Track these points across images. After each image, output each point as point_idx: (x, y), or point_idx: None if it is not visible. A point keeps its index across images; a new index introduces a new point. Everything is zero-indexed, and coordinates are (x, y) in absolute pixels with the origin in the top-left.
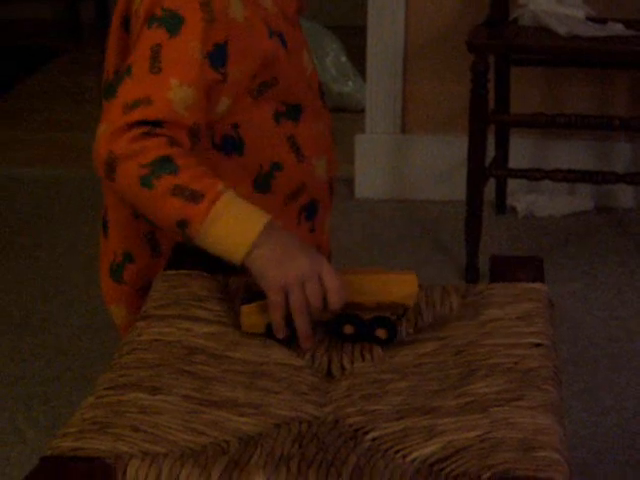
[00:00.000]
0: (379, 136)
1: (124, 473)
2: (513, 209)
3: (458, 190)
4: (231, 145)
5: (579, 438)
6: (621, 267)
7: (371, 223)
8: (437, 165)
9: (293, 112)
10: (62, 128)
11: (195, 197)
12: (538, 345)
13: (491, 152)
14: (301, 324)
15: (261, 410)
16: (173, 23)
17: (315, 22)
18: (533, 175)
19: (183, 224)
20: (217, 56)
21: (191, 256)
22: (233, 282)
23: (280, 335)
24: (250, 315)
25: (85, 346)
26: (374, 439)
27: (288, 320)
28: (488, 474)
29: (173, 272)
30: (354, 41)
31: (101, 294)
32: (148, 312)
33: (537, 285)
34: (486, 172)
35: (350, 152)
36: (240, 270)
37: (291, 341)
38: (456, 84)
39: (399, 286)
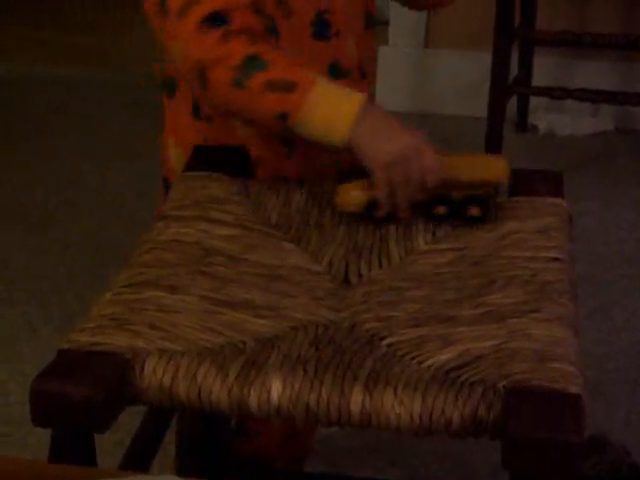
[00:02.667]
0: (402, 49)
1: (142, 369)
2: (534, 127)
3: (480, 106)
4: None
5: (591, 357)
6: (639, 189)
7: None
8: (460, 80)
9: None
10: (87, 30)
11: (290, 88)
12: (556, 259)
13: (514, 70)
14: (403, 198)
15: (278, 312)
16: None
17: None
18: (556, 94)
19: (283, 116)
20: None
21: (210, 157)
22: (253, 184)
23: (382, 212)
24: (349, 193)
25: (99, 244)
26: (390, 345)
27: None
28: (503, 383)
29: (192, 174)
30: None
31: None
32: (167, 213)
33: (557, 200)
34: (509, 89)
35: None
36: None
37: (388, 220)
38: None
39: (492, 165)
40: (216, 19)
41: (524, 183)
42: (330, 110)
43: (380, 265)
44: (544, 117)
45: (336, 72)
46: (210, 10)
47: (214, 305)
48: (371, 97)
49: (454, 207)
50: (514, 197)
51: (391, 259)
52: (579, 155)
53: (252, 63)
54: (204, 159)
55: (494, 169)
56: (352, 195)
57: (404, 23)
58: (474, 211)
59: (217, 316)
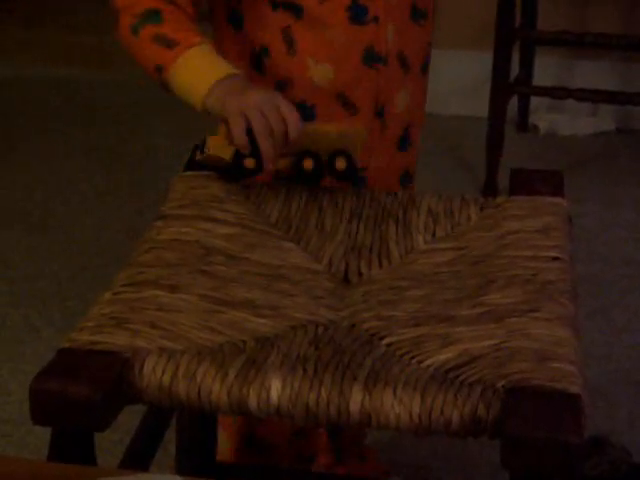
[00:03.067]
0: None
1: (141, 368)
2: (535, 127)
3: (481, 106)
4: (234, 18)
5: (592, 358)
6: (639, 188)
7: None
8: (461, 80)
9: (292, 8)
10: (84, 30)
11: (170, 44)
12: (556, 259)
13: (515, 70)
14: (264, 145)
15: (278, 312)
16: None
17: None
18: (556, 94)
19: (159, 69)
20: None
21: (211, 158)
22: (252, 185)
23: (244, 149)
24: (218, 142)
25: (101, 246)
26: (390, 344)
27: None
28: (503, 382)
29: (192, 173)
30: None
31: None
32: (167, 212)
33: (557, 199)
34: (510, 89)
35: None
36: None
37: (256, 170)
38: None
39: (348, 135)
40: None
41: (524, 183)
42: (196, 73)
43: (380, 264)
44: (545, 117)
45: (370, 57)
46: None
47: (214, 304)
48: (423, 91)
49: (321, 161)
50: (514, 196)
51: (391, 258)
52: (580, 155)
53: (150, 16)
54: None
55: (349, 139)
56: (220, 144)
57: None
58: (340, 164)
59: (217, 315)
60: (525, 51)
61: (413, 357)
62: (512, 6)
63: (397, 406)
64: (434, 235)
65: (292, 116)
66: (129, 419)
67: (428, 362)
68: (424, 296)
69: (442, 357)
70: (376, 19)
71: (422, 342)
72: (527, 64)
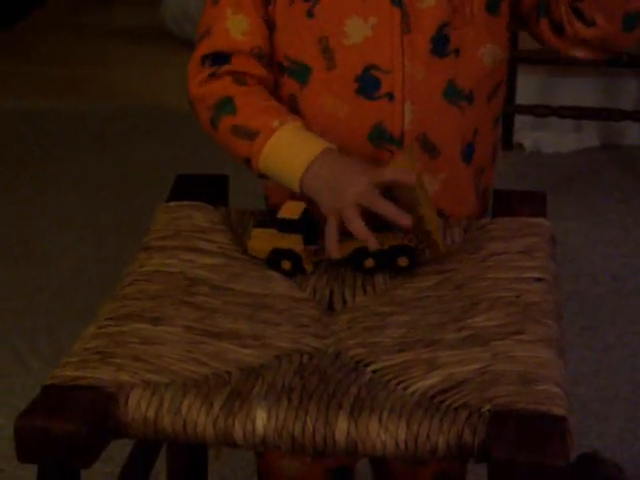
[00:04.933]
0: None
1: (126, 402)
2: (520, 145)
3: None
4: None
5: (581, 375)
6: (626, 204)
7: None
8: None
9: (298, 72)
10: (61, 62)
11: (251, 135)
12: (539, 280)
13: None
14: (354, 229)
15: (262, 342)
16: None
17: None
18: (539, 111)
19: (246, 161)
20: None
21: (193, 187)
22: (236, 213)
23: (334, 254)
24: (257, 239)
25: (88, 278)
26: (375, 371)
27: (289, 253)
28: (488, 406)
29: (175, 203)
30: None
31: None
32: (150, 243)
33: (539, 220)
34: None
35: None
36: None
37: (295, 273)
38: None
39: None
40: (217, 57)
41: (506, 204)
42: (286, 160)
43: (364, 291)
44: (529, 135)
45: (379, 136)
46: (214, 49)
47: (199, 335)
48: (467, 181)
49: (383, 258)
50: (497, 218)
51: (375, 285)
52: (565, 172)
53: (223, 106)
54: (186, 188)
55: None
56: (257, 242)
57: None
58: (402, 262)
59: (202, 346)
60: (507, 69)
61: (399, 383)
62: None
63: (383, 434)
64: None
65: (386, 210)
66: (120, 451)
67: (414, 388)
68: (409, 321)
69: (427, 382)
70: (390, 95)
71: (407, 368)
72: (510, 83)
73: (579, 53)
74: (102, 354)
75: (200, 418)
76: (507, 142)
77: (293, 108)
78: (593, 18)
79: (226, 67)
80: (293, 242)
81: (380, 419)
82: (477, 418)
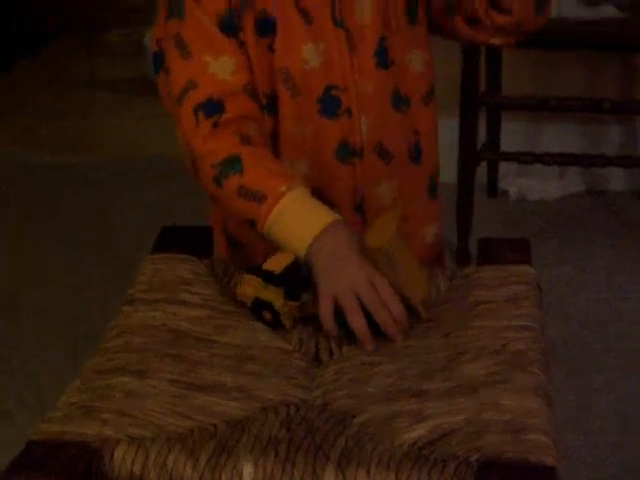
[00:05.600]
0: None
1: (111, 458)
2: (504, 192)
3: (450, 173)
4: None
5: (569, 421)
6: (611, 249)
7: None
8: None
9: (269, 105)
10: (46, 114)
11: (259, 199)
12: (526, 328)
13: (482, 135)
14: (355, 324)
15: (248, 394)
16: (176, 7)
17: None
18: (524, 158)
19: (252, 223)
20: (228, 25)
21: (178, 238)
22: (220, 265)
23: (330, 332)
24: (245, 284)
25: (76, 331)
26: (362, 423)
27: (269, 306)
28: (476, 456)
29: (160, 255)
30: None
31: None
32: (135, 296)
33: (525, 268)
34: (477, 155)
35: None
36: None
37: (275, 326)
38: (447, 66)
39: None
40: (210, 105)
41: (492, 252)
42: (293, 227)
43: (350, 341)
44: (514, 182)
45: (345, 151)
46: (204, 97)
47: (184, 389)
48: (417, 180)
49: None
50: (482, 266)
51: None
52: (551, 218)
53: (231, 164)
54: (170, 240)
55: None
56: (243, 289)
57: None
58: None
59: (187, 400)
60: (491, 116)
61: (386, 435)
62: (476, 72)
63: None
64: None
65: (392, 299)
66: None
67: (401, 439)
68: (395, 371)
69: (415, 434)
70: (349, 111)
71: (394, 418)
72: (494, 129)
73: (497, 41)
74: (87, 408)
75: (186, 472)
76: (492, 189)
77: (273, 141)
78: (509, 6)
79: (225, 116)
80: (274, 296)
81: (368, 471)
82: (465, 469)
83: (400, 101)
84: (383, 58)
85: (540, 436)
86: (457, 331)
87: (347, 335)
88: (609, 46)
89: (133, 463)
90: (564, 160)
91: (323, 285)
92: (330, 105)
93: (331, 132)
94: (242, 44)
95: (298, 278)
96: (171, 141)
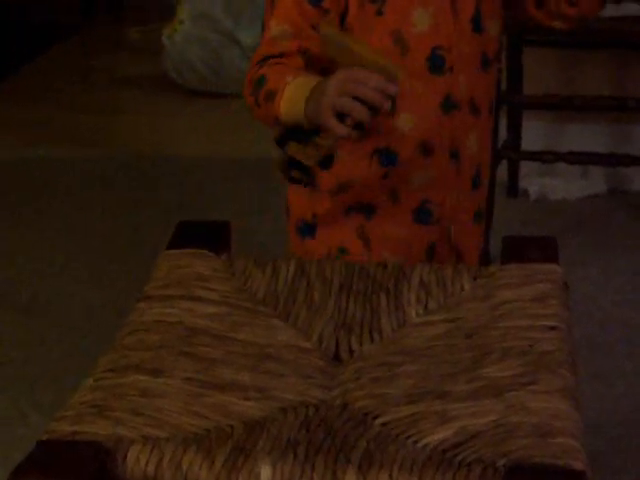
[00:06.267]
0: None
1: (124, 458)
2: (525, 192)
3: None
4: None
5: (592, 426)
6: (635, 251)
7: None
8: None
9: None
10: (67, 109)
11: (273, 96)
12: (553, 328)
13: (504, 134)
14: (356, 112)
15: (266, 394)
16: None
17: None
18: (546, 158)
19: (276, 121)
20: None
21: (195, 234)
22: (238, 261)
23: (343, 132)
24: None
25: (93, 326)
26: (384, 424)
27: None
28: (503, 461)
29: (176, 251)
30: None
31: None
32: (150, 292)
33: (551, 266)
34: (498, 154)
35: None
36: None
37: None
38: None
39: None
40: (264, 61)
41: (517, 250)
42: (293, 105)
43: (371, 340)
44: (535, 181)
45: (448, 104)
46: (265, 52)
47: (200, 387)
48: (489, 132)
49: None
50: (507, 265)
51: (383, 333)
52: (572, 219)
53: (258, 82)
54: (187, 235)
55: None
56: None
57: None
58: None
59: (203, 399)
60: (512, 115)
61: (409, 437)
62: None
63: None
64: (426, 307)
65: (365, 75)
66: None
67: (424, 441)
68: (418, 371)
69: (439, 436)
70: (451, 69)
71: (418, 420)
72: (515, 129)
73: (558, 24)
74: (99, 407)
75: (202, 474)
76: (513, 189)
77: None
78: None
79: (271, 60)
80: (289, 149)
81: (390, 475)
82: (492, 473)
83: (487, 62)
84: (478, 23)
85: (569, 440)
86: (482, 331)
87: (359, 129)
88: (633, 44)
89: (147, 464)
90: (587, 159)
91: (318, 110)
92: (437, 63)
93: (437, 87)
94: (326, 12)
95: (303, 130)
96: (187, 140)
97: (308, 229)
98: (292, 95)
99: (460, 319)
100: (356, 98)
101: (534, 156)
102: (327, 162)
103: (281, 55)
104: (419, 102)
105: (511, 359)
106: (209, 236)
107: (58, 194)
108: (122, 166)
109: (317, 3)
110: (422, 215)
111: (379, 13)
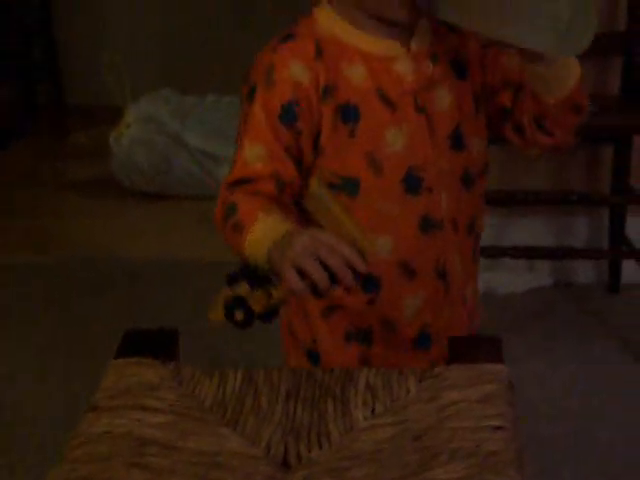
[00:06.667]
0: None
1: None
2: None
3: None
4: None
5: None
6: (580, 343)
7: None
8: None
9: (349, 185)
10: (15, 214)
11: (241, 229)
12: (499, 428)
13: None
14: (316, 276)
15: None
16: (251, 93)
17: None
18: (491, 252)
19: (240, 254)
20: (286, 115)
21: (142, 342)
22: (185, 369)
23: (298, 288)
24: (211, 308)
25: (39, 437)
26: None
27: (238, 301)
28: None
29: (123, 360)
30: None
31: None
32: (98, 403)
33: (497, 366)
34: None
35: None
36: None
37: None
38: None
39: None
40: (236, 184)
41: (463, 350)
42: (256, 245)
43: (320, 445)
44: (482, 276)
45: (426, 224)
46: (238, 176)
47: None
48: (469, 249)
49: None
50: (453, 365)
51: (331, 438)
52: (519, 312)
53: (229, 209)
54: (135, 344)
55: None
56: (212, 311)
57: None
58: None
59: None
60: None
61: None
62: None
63: None
64: (373, 411)
65: (338, 245)
66: None
67: None
68: (367, 476)
69: None
70: (430, 189)
71: None
72: None
73: (534, 151)
74: None
75: None
76: None
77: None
78: (552, 131)
79: (245, 186)
80: (241, 289)
81: None
82: None
83: (469, 181)
84: (458, 141)
85: None
86: (429, 433)
87: (314, 293)
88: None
89: None
90: (532, 254)
91: (281, 260)
92: (413, 184)
93: (414, 208)
94: (299, 133)
95: (259, 274)
96: (137, 242)
97: (313, 357)
98: (259, 237)
99: (407, 421)
100: (322, 263)
101: (481, 251)
102: (271, 315)
103: (254, 180)
104: (396, 224)
105: (457, 461)
106: (157, 344)
107: (5, 299)
108: (71, 271)
109: (291, 124)
110: (422, 340)
111: (352, 134)
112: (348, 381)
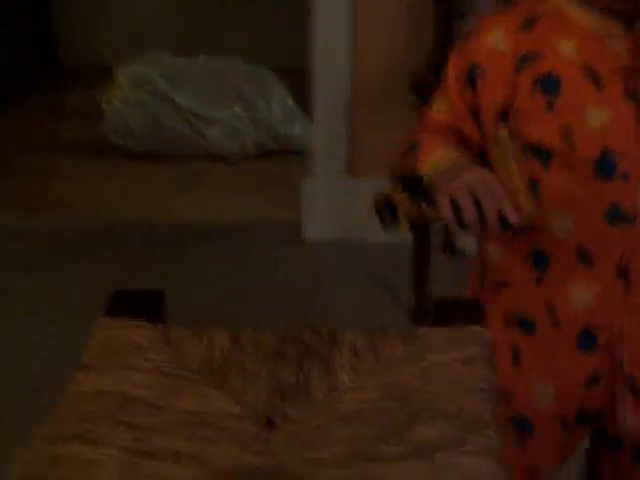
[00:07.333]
0: (325, 178)
1: None
2: (461, 250)
3: (407, 232)
4: None
5: None
6: None
7: (319, 265)
8: None
9: (540, 155)
10: (6, 173)
11: (418, 153)
12: (481, 390)
13: None
14: (466, 214)
15: (202, 461)
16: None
17: (261, 65)
18: None
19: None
20: (471, 76)
21: (130, 303)
22: (173, 330)
23: (449, 218)
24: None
25: (32, 396)
26: None
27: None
28: None
29: (111, 320)
30: (298, 83)
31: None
32: (86, 362)
33: (480, 328)
34: None
35: (296, 194)
36: None
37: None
38: (403, 126)
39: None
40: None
41: (446, 312)
42: (434, 164)
43: (305, 405)
44: (470, 239)
45: (613, 214)
46: (425, 123)
47: (135, 457)
48: None
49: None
50: (437, 327)
51: (315, 398)
52: None
53: (412, 145)
54: (122, 304)
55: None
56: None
57: (326, 152)
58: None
59: (139, 468)
60: None
61: None
62: None
63: None
64: (358, 372)
65: (500, 191)
66: None
67: None
68: (350, 435)
69: None
70: (626, 176)
71: None
72: None
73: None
74: (34, 479)
75: None
76: (450, 247)
77: (532, 191)
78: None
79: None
80: (394, 193)
81: None
82: None
83: None
84: None
85: None
86: (412, 394)
87: (459, 225)
88: None
89: None
90: None
91: (440, 187)
92: (605, 168)
93: (602, 193)
94: (481, 97)
95: (418, 188)
96: (125, 203)
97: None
98: (439, 159)
99: (391, 383)
100: (477, 201)
101: None
102: (413, 226)
103: (438, 129)
104: (580, 206)
105: (440, 421)
106: (144, 305)
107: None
108: (58, 232)
109: (475, 86)
110: (586, 341)
111: (549, 105)
112: (334, 342)
